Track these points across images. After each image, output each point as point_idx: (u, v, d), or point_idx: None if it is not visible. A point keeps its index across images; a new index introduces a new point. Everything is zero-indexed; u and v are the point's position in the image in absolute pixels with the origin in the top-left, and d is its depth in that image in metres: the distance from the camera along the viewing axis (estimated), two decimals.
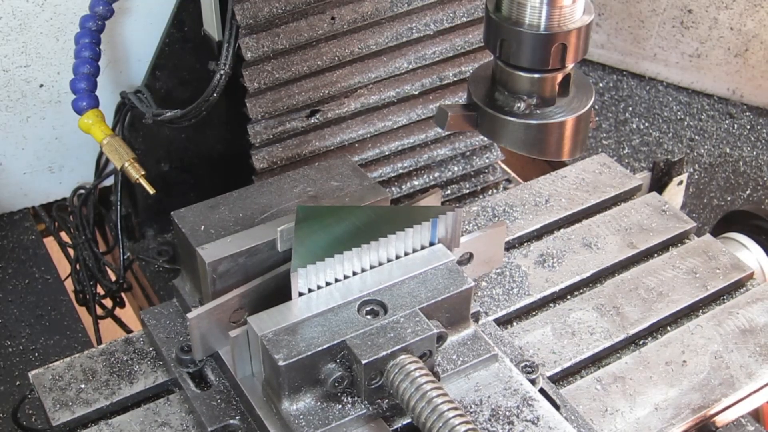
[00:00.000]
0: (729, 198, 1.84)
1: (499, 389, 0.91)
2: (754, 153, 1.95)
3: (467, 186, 1.50)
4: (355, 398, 0.85)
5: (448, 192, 1.49)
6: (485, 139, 1.41)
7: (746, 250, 1.24)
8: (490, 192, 1.53)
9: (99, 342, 1.37)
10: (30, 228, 1.50)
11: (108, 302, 1.47)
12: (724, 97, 2.11)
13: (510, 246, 1.19)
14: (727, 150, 1.96)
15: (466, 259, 1.00)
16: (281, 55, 1.25)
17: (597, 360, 1.07)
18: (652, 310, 1.11)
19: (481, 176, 1.51)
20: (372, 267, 0.90)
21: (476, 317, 1.02)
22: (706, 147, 1.97)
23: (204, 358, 0.93)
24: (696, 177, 1.89)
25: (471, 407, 0.89)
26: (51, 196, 1.56)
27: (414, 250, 0.92)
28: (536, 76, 0.84)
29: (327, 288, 0.87)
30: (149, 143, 1.40)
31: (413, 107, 1.39)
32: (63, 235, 1.53)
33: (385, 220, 0.91)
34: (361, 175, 1.01)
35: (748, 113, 2.06)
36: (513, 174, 1.58)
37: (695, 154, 1.95)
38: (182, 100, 1.30)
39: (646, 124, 2.03)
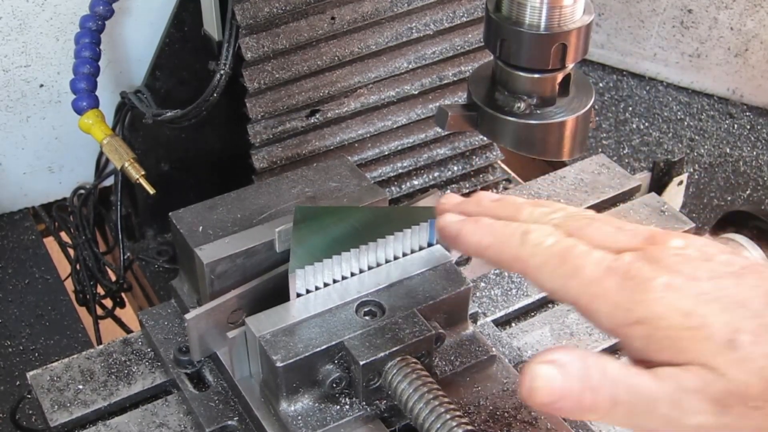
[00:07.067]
0: (729, 198, 1.84)
1: (498, 390, 0.91)
2: (754, 153, 1.94)
3: (467, 186, 1.50)
4: (353, 399, 0.85)
5: (448, 192, 1.49)
6: (485, 138, 1.41)
7: (745, 251, 1.24)
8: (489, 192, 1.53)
9: (99, 342, 1.37)
10: (30, 228, 1.50)
11: (108, 302, 1.47)
12: (724, 97, 2.10)
13: None
14: (727, 150, 1.95)
15: (465, 260, 1.00)
16: (281, 55, 1.25)
17: None
18: None
19: (481, 176, 1.51)
20: (370, 268, 0.90)
21: (475, 318, 1.02)
22: (706, 147, 1.96)
23: (202, 359, 0.93)
24: (696, 177, 1.89)
25: (469, 408, 0.89)
26: (51, 196, 1.56)
27: (412, 251, 0.92)
28: (536, 76, 0.84)
29: (325, 289, 0.87)
30: (149, 143, 1.40)
31: (413, 107, 1.39)
32: (63, 235, 1.53)
33: (383, 221, 0.91)
34: (359, 175, 1.01)
35: (748, 113, 2.06)
36: (513, 174, 1.58)
37: (695, 154, 1.95)
38: (182, 100, 1.30)
39: (646, 124, 2.02)
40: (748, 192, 1.86)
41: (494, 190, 1.53)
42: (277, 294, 0.88)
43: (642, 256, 0.66)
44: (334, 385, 0.83)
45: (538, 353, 0.64)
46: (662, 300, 0.63)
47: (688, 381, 0.61)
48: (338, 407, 0.84)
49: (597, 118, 2.03)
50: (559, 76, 0.84)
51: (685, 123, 2.04)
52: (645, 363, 0.64)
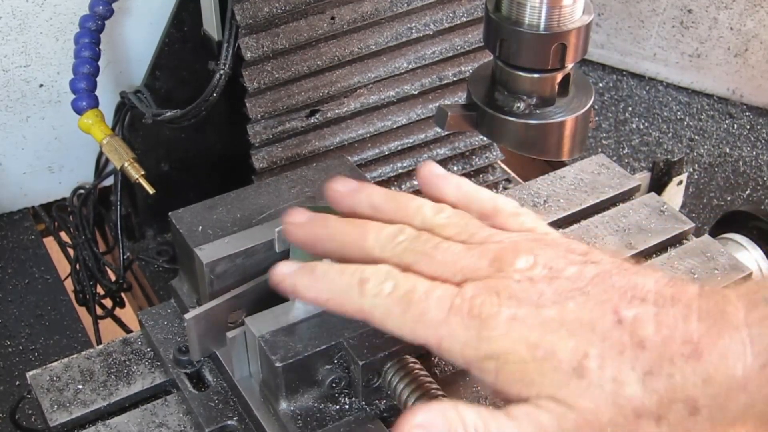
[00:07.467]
0: (729, 198, 1.84)
1: None
2: (754, 153, 1.95)
3: None
4: (353, 399, 0.85)
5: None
6: (485, 138, 1.41)
7: (745, 251, 1.24)
8: None
9: (99, 342, 1.37)
10: (30, 228, 1.50)
11: (108, 302, 1.47)
12: (724, 97, 2.11)
13: None
14: (727, 150, 1.96)
15: None
16: (281, 55, 1.25)
17: None
18: None
19: (481, 176, 1.51)
20: None
21: None
22: (705, 147, 1.97)
23: (202, 359, 0.93)
24: (696, 177, 1.89)
25: None
26: (51, 196, 1.56)
27: None
28: (536, 76, 0.84)
29: None
30: (149, 143, 1.40)
31: (413, 107, 1.39)
32: (63, 235, 1.53)
33: None
34: (359, 175, 1.01)
35: (748, 113, 2.06)
36: (513, 174, 1.58)
37: (695, 154, 1.95)
38: (182, 100, 1.30)
39: (646, 124, 2.03)
40: (748, 192, 1.86)
41: (495, 190, 1.53)
42: (277, 294, 0.87)
43: (484, 288, 0.66)
44: (334, 385, 0.83)
45: (404, 416, 0.66)
46: (507, 335, 0.64)
47: (542, 418, 0.62)
48: (338, 407, 0.84)
49: (597, 118, 2.03)
50: (559, 76, 0.84)
51: (685, 123, 2.04)
52: (502, 395, 0.65)
